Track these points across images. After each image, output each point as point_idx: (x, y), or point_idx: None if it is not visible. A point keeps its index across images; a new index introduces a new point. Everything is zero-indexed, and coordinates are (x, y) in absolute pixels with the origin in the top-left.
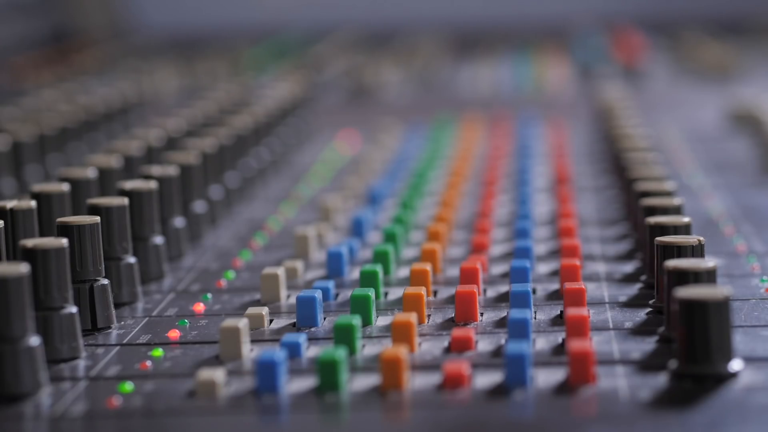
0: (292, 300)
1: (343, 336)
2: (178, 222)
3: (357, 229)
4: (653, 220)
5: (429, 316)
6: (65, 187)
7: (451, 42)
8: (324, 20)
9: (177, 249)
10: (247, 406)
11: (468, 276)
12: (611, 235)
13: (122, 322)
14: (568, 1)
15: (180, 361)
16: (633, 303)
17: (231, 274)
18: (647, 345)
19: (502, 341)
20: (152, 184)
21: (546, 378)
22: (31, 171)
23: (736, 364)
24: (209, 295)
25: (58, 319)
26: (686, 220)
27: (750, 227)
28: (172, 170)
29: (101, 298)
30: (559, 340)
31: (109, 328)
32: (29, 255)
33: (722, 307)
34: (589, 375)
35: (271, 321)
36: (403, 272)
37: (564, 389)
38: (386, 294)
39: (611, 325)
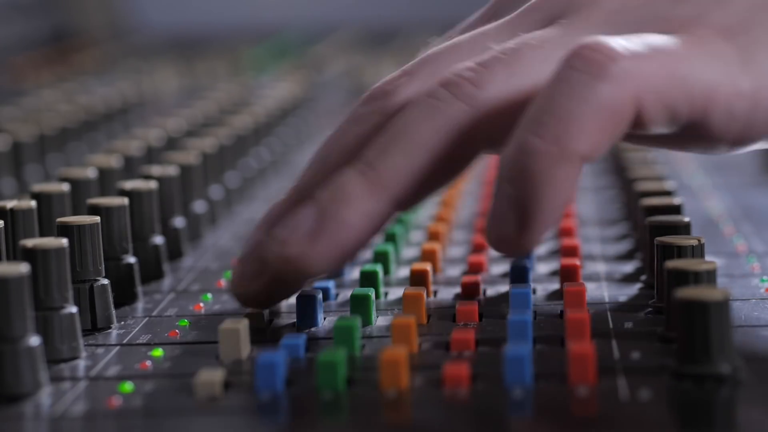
0: (292, 300)
1: (343, 336)
2: (178, 222)
3: None
4: (653, 220)
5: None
6: (65, 187)
7: None
8: (324, 20)
9: (177, 249)
10: (247, 406)
11: (467, 292)
12: (611, 235)
13: (122, 322)
14: None
15: (180, 361)
16: (633, 303)
17: (231, 274)
18: (647, 345)
19: (503, 341)
20: (152, 184)
21: (545, 378)
22: (31, 171)
23: (735, 365)
24: (210, 295)
25: (58, 319)
26: (686, 220)
27: (750, 227)
28: (172, 170)
29: (101, 298)
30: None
31: (109, 328)
32: (29, 255)
33: (722, 307)
34: (589, 375)
35: (271, 321)
36: (403, 272)
37: (564, 389)
38: (386, 294)
39: (611, 325)
